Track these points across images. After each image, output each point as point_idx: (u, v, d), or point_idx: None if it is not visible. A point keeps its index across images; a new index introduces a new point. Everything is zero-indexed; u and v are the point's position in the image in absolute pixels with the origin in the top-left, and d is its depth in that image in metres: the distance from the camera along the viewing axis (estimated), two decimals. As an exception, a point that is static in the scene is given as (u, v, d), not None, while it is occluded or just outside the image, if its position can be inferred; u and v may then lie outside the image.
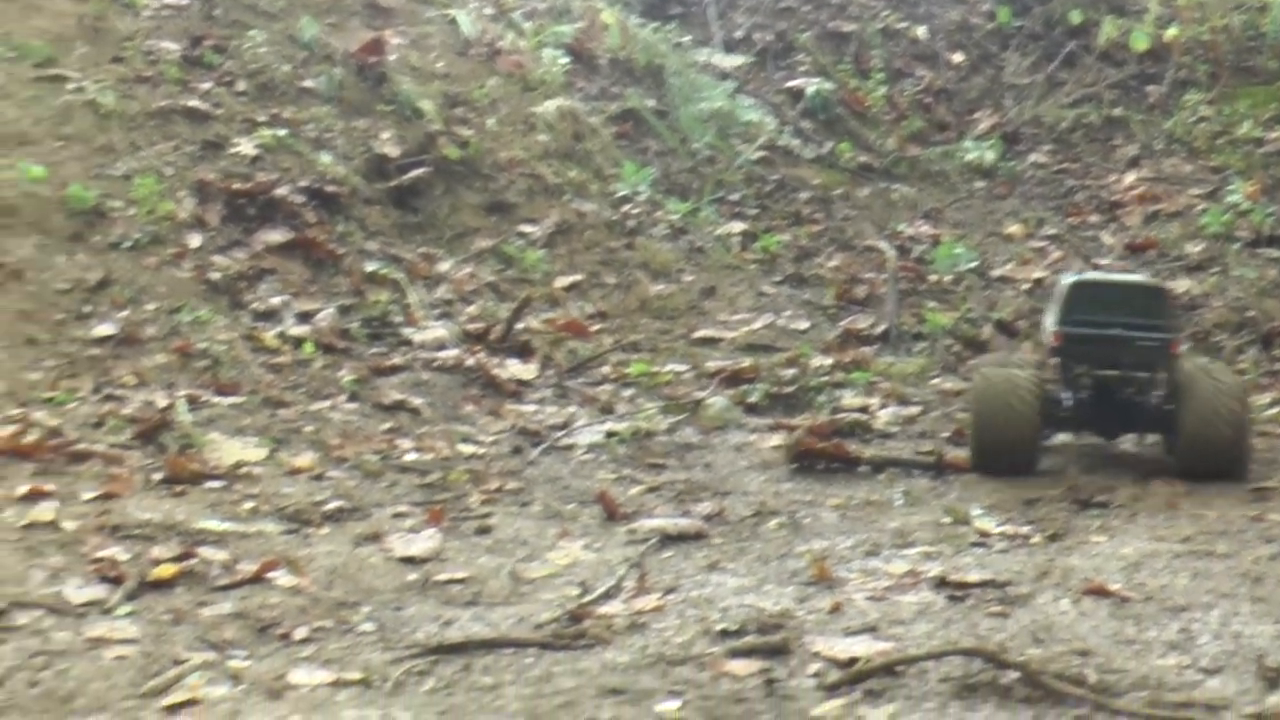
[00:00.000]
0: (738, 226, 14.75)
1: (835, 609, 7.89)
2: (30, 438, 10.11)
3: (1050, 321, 10.71)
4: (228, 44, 14.44)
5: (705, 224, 14.63)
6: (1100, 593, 7.97)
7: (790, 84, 16.80)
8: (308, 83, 14.30)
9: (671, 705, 6.76)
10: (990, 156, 16.64)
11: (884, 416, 11.60)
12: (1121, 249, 15.48)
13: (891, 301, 13.79)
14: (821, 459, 10.54)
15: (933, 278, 14.49)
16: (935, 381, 12.61)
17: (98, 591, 8.03)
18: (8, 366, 11.15)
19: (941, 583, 8.22)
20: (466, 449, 10.58)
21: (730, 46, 17.07)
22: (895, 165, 16.34)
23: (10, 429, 10.27)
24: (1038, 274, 14.78)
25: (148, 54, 14.10)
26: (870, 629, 7.63)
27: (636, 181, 14.67)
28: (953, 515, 9.44)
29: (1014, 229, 15.72)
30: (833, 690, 6.98)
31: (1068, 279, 10.89)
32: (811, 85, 16.65)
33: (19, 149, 12.94)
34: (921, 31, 17.95)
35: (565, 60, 15.55)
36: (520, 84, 15.16)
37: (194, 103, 13.77)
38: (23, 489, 9.38)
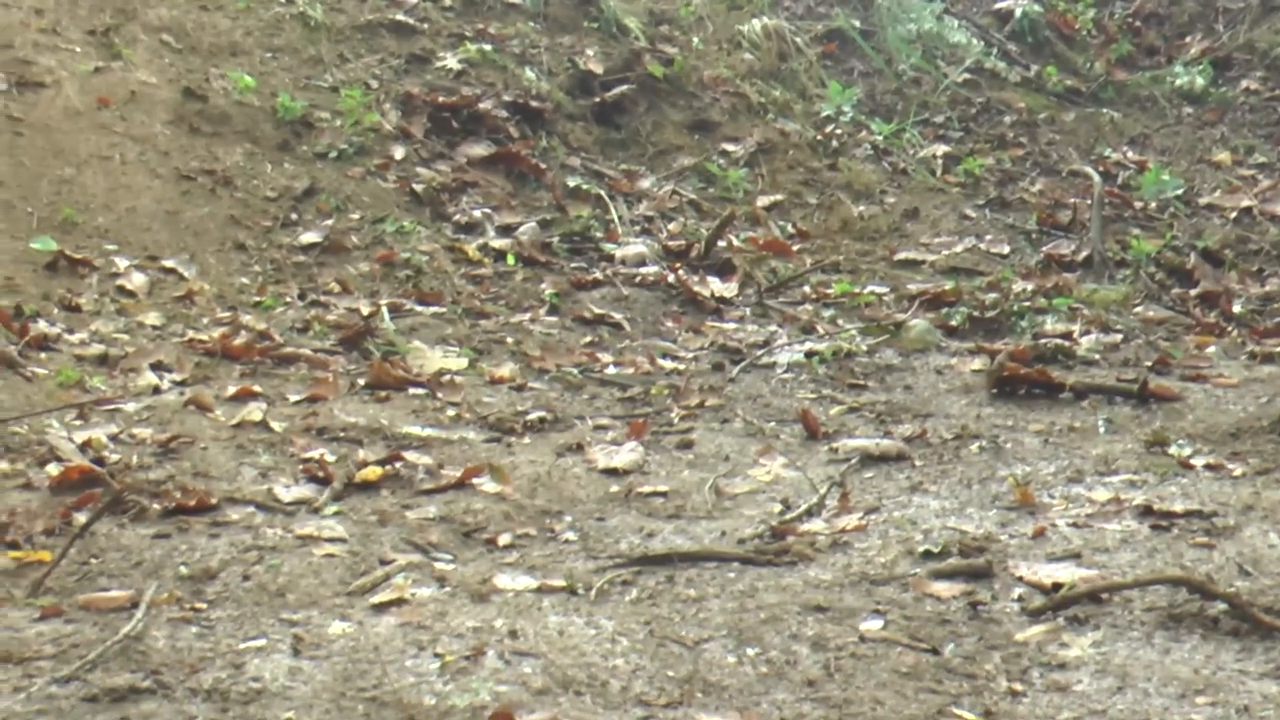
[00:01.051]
0: (941, 149, 14.58)
1: (1038, 534, 7.82)
2: (239, 340, 10.32)
3: None
4: (436, -41, 14.51)
5: (908, 145, 14.49)
6: (1312, 527, 7.83)
7: (998, 5, 16.52)
8: (513, -2, 14.35)
9: (875, 624, 6.76)
10: (1200, 82, 16.27)
11: (1086, 343, 11.43)
12: (1335, 180, 15.10)
13: (1095, 228, 13.56)
14: (1023, 384, 10.41)
15: (1138, 204, 14.22)
16: (1139, 310, 12.40)
17: (305, 491, 8.19)
18: (218, 271, 11.36)
19: (1146, 511, 8.11)
20: (667, 365, 10.61)
21: (938, -33, 16.84)
22: (1102, 90, 16.03)
23: (220, 330, 10.48)
24: (1246, 203, 14.46)
25: (357, -34, 14.21)
26: (1074, 555, 7.56)
27: (840, 102, 14.55)
28: (1157, 443, 9.30)
29: (1222, 156, 15.37)
30: (1036, 615, 6.94)
31: None
32: (1020, 7, 16.37)
33: (230, 59, 13.14)
34: (1133, -46, 17.60)
35: (772, -22, 15.45)
36: (726, 2, 15.08)
37: (400, 17, 13.88)
38: (232, 389, 9.58)
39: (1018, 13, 16.37)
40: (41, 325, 10.14)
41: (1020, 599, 7.07)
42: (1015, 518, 8.06)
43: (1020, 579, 7.25)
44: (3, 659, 6.34)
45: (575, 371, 10.36)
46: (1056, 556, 7.53)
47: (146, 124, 12.35)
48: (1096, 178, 14.32)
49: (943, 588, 7.13)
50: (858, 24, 15.49)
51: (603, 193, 13.01)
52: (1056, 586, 7.13)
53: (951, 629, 6.77)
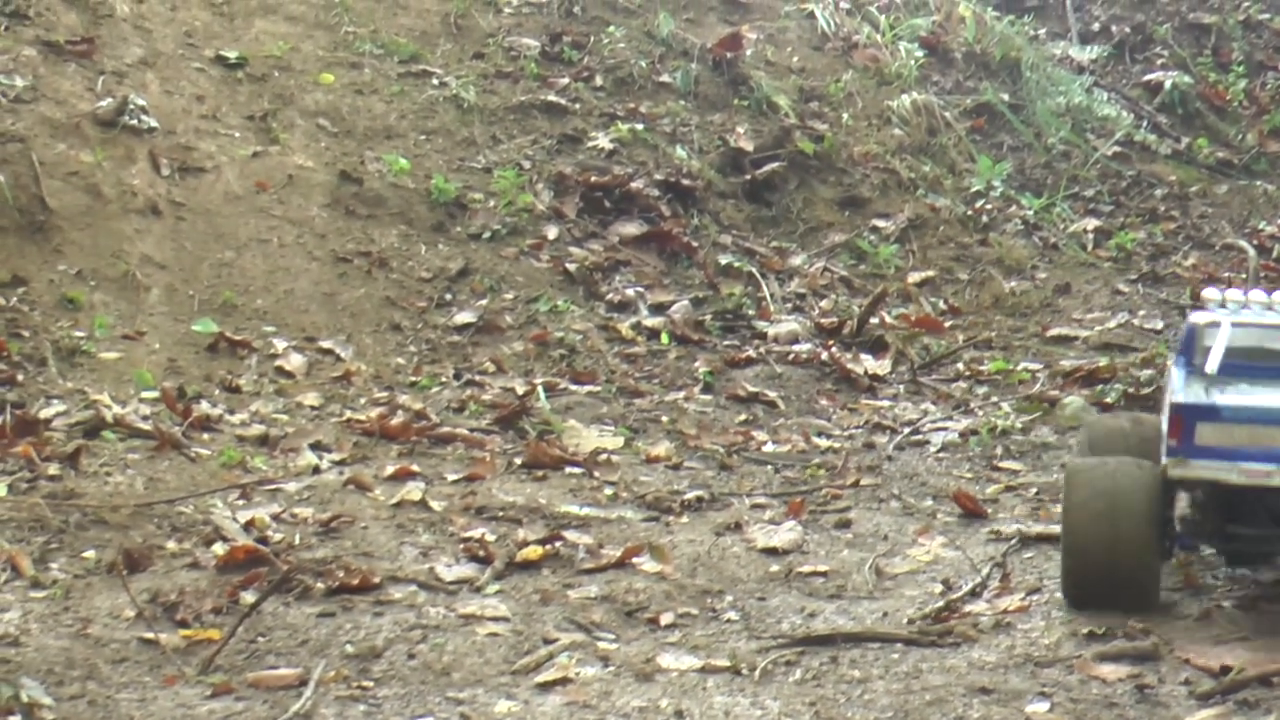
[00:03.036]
0: (1092, 223, 14.50)
1: (1204, 616, 7.72)
2: (396, 420, 10.43)
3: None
4: (586, 40, 14.66)
5: (1059, 220, 14.42)
6: None
7: (1148, 77, 16.45)
8: (664, 78, 14.45)
9: (1041, 707, 6.70)
10: (1355, 153, 16.09)
11: (1243, 418, 11.25)
12: None
13: (1251, 302, 13.40)
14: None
15: (1293, 278, 14.06)
16: (1295, 384, 12.20)
17: (467, 570, 8.25)
18: (374, 351, 11.50)
19: (1316, 592, 7.98)
20: (822, 443, 10.60)
21: (1086, 39, 16.78)
22: (1255, 161, 15.89)
23: (378, 410, 10.60)
24: (1405, 276, 14.24)
25: (508, 50, 14.40)
26: (1241, 638, 7.45)
27: (990, 176, 14.52)
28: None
29: (1379, 228, 15.18)
30: (1205, 699, 6.84)
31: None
32: (1169, 78, 16.28)
33: (386, 142, 13.34)
34: (1284, 23, 17.46)
35: (920, 54, 15.45)
36: (875, 78, 15.11)
37: (552, 97, 14.02)
38: (390, 469, 9.68)
39: (1167, 84, 16.27)
40: (204, 406, 10.31)
41: (1188, 682, 6.98)
42: (1179, 599, 7.96)
43: (1187, 661, 7.16)
44: (176, 737, 6.45)
45: (727, 450, 10.36)
46: (1224, 639, 7.42)
47: (303, 207, 12.56)
48: (1251, 251, 14.18)
49: (1108, 670, 7.06)
50: (1006, 98, 15.47)
51: (754, 270, 13.05)
52: (1225, 670, 7.03)
53: (1118, 712, 6.70)
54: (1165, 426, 7.61)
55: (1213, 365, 7.74)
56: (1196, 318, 7.97)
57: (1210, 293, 8.14)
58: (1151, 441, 8.13)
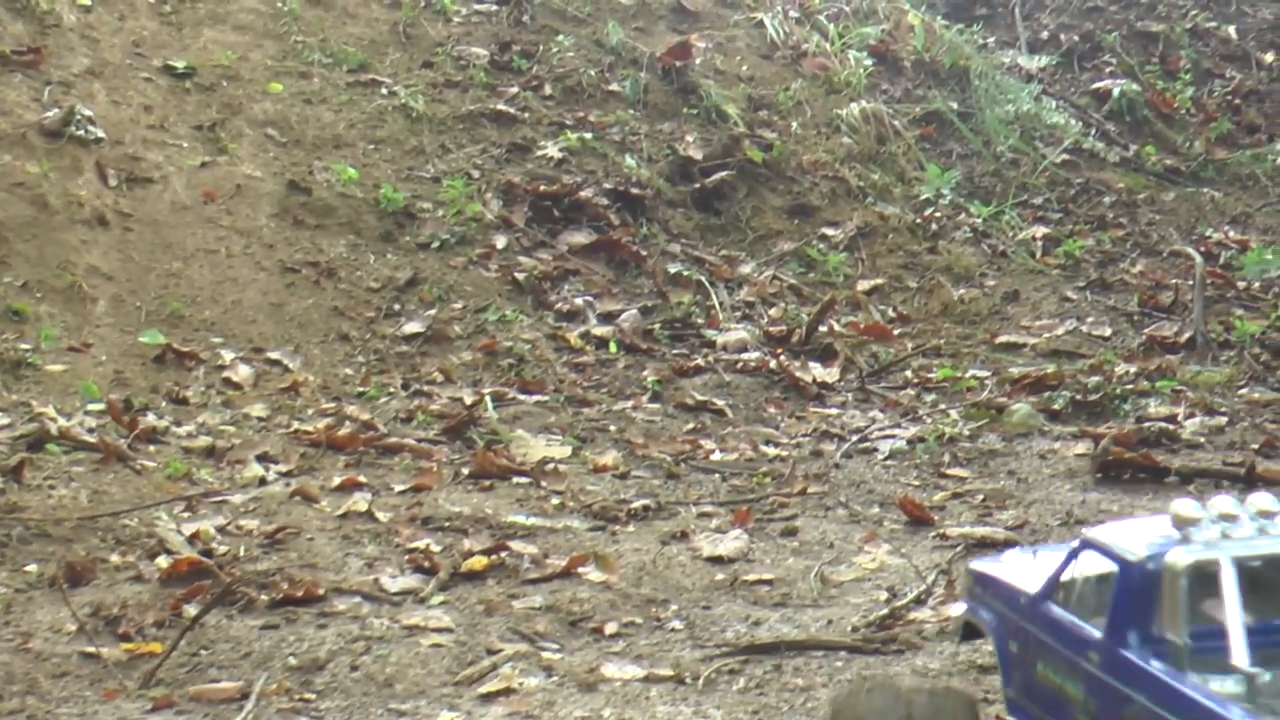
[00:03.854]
0: (1040, 230, 14.54)
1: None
2: (343, 430, 10.40)
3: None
4: (535, 49, 14.66)
5: (1008, 228, 14.46)
6: None
7: (1096, 85, 16.50)
8: (613, 86, 14.44)
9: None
10: (1303, 160, 16.17)
11: (1191, 426, 11.32)
12: None
13: (1198, 309, 13.47)
14: (1128, 468, 10.35)
15: (1241, 284, 14.12)
16: (1243, 391, 12.28)
17: (411, 581, 8.25)
18: (322, 361, 11.47)
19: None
20: (770, 451, 10.60)
21: (1035, 48, 16.83)
22: (1203, 169, 15.95)
23: (325, 421, 10.57)
24: (1353, 282, 14.33)
25: (458, 59, 14.38)
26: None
27: (939, 184, 14.56)
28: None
29: (1328, 235, 15.26)
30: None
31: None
32: (1118, 86, 16.35)
33: (334, 152, 13.31)
34: (1231, 31, 17.53)
35: (869, 62, 15.47)
36: (824, 86, 15.14)
37: (501, 106, 14.01)
38: (337, 480, 9.66)
39: (1115, 92, 16.33)
40: (150, 418, 10.27)
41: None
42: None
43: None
44: (116, 751, 6.42)
45: (675, 459, 10.35)
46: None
47: (252, 217, 12.52)
48: (1198, 258, 14.23)
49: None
50: (955, 106, 15.51)
51: (703, 279, 13.06)
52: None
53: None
54: None
55: (1240, 654, 5.08)
56: (1147, 554, 5.32)
57: (1184, 505, 5.40)
58: None
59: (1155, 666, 5.18)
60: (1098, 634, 5.40)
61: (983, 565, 6.32)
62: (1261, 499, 5.47)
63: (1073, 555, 5.62)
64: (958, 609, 6.32)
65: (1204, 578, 5.21)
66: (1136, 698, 5.21)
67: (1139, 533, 5.52)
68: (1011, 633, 5.88)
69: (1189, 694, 5.06)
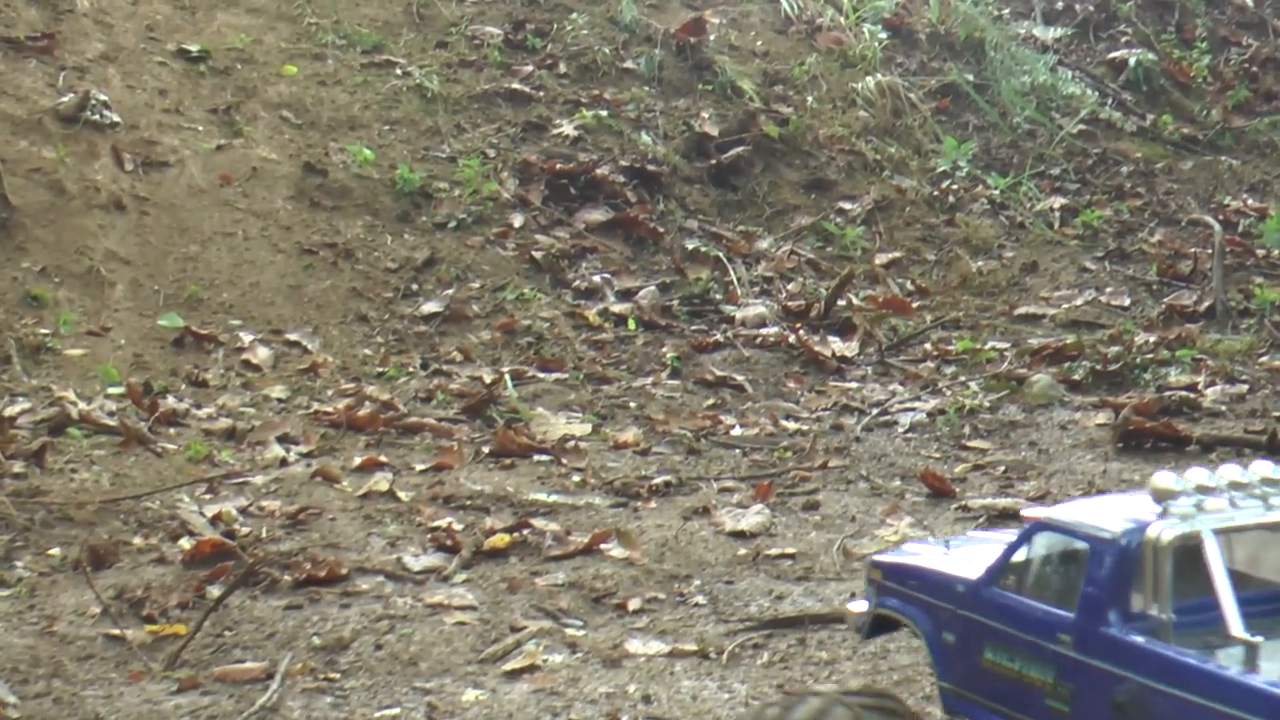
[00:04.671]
0: (1058, 201, 14.51)
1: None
2: (363, 411, 10.40)
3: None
4: (549, 27, 14.63)
5: (1025, 199, 14.43)
6: None
7: (1112, 55, 16.44)
8: (628, 64, 14.42)
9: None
10: (1320, 127, 16.11)
11: (1211, 395, 11.30)
12: None
13: (1217, 277, 13.43)
14: (1149, 438, 10.32)
15: (1260, 252, 14.08)
16: (1264, 359, 12.25)
17: (434, 559, 8.25)
18: (341, 342, 11.48)
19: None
20: (790, 425, 10.59)
21: (1050, 18, 16.76)
22: (1220, 137, 15.90)
23: (344, 402, 10.57)
24: (1373, 249, 14.27)
25: (472, 39, 14.37)
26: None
27: (956, 157, 14.53)
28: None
29: (1347, 201, 15.20)
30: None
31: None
32: (1134, 56, 16.28)
33: (349, 133, 13.31)
34: (1248, -2, 17.47)
35: (884, 35, 15.43)
36: (840, 60, 15.10)
37: (516, 85, 13.99)
38: (358, 460, 9.66)
39: (1131, 62, 16.27)
40: (170, 401, 10.28)
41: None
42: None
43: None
44: (142, 733, 6.43)
45: (695, 435, 10.35)
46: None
47: (268, 199, 12.53)
48: (1217, 226, 14.19)
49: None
50: (971, 78, 15.46)
51: (721, 255, 13.05)
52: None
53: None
54: None
55: (1235, 624, 5.06)
56: (1122, 531, 5.29)
57: (1163, 478, 5.31)
58: None
59: (1155, 644, 5.13)
60: (1069, 615, 5.33)
61: (892, 557, 6.18)
62: (1264, 467, 5.46)
63: (1024, 538, 5.55)
64: (857, 605, 6.21)
65: (1186, 551, 5.19)
66: (1132, 676, 5.15)
67: (1103, 511, 5.49)
68: (945, 623, 5.76)
69: (1207, 668, 5.02)
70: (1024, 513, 6.11)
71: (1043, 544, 5.52)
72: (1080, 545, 5.37)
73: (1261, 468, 5.46)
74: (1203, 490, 5.32)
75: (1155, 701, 5.08)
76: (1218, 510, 5.30)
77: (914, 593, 5.89)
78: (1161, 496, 5.28)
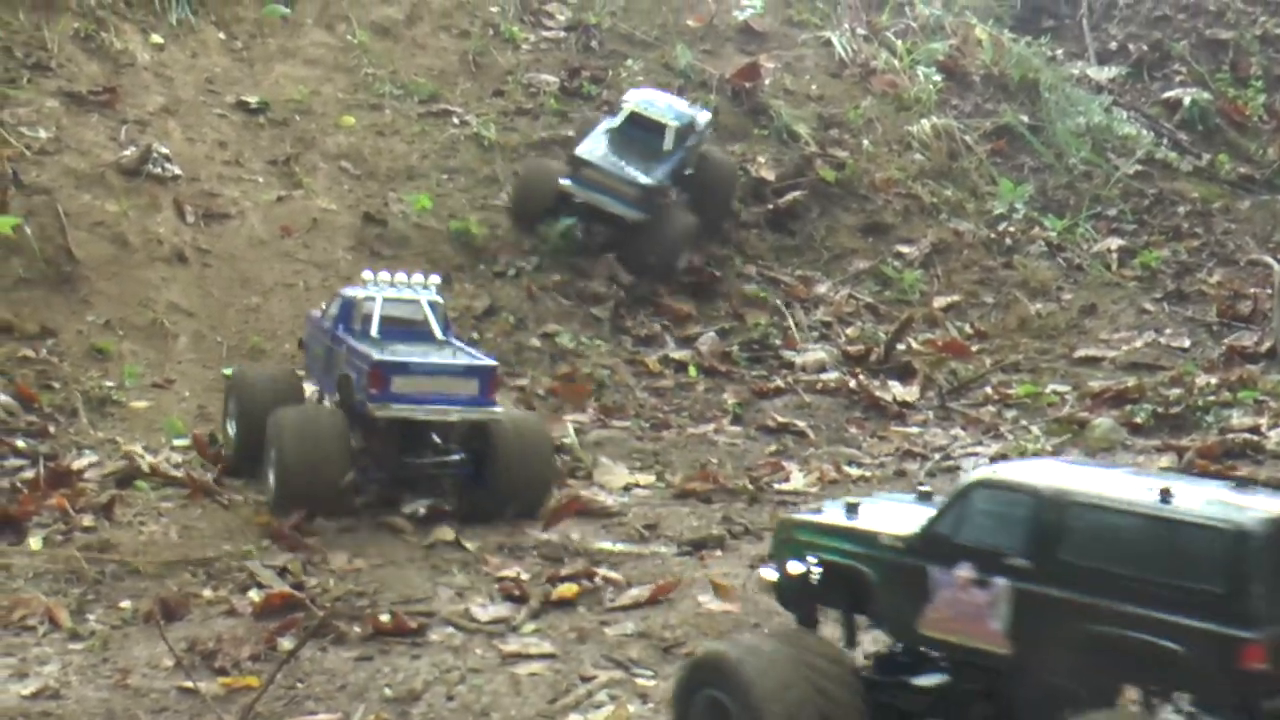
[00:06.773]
0: (1115, 242, 14.49)
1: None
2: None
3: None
4: (605, 74, 14.72)
5: (1082, 240, 14.42)
6: None
7: (1166, 94, 16.43)
8: (685, 109, 14.45)
9: None
10: (1379, 165, 16.04)
11: (1275, 436, 11.23)
12: None
13: (1277, 317, 13.37)
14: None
15: (1321, 292, 14.01)
16: (1328, 399, 12.18)
17: (502, 610, 8.24)
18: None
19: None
20: (853, 471, 10.57)
21: (1104, 58, 16.78)
22: (1277, 175, 15.86)
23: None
24: None
25: (528, 86, 14.45)
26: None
27: (1012, 199, 14.52)
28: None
29: (1406, 240, 15.13)
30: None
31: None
32: (1188, 95, 16.27)
33: (408, 182, 13.39)
34: (1302, 37, 17.43)
35: (938, 78, 15.46)
36: (894, 103, 15.13)
37: (572, 133, 14.04)
38: (423, 509, 9.66)
39: (1186, 101, 16.25)
40: (236, 452, 10.31)
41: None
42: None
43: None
44: (218, 786, 6.45)
45: (756, 485, 10.30)
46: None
47: (328, 250, 12.60)
48: (1276, 266, 14.12)
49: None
50: (1025, 119, 15.47)
51: (779, 300, 13.06)
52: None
53: None
54: (357, 378, 9.42)
55: (375, 331, 9.64)
56: (351, 292, 9.90)
57: (365, 274, 9.95)
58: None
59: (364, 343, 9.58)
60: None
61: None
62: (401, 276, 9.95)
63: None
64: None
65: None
66: None
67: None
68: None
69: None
70: None
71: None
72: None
73: None
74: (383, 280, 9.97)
75: None
76: None
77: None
78: (360, 280, 10.03)
